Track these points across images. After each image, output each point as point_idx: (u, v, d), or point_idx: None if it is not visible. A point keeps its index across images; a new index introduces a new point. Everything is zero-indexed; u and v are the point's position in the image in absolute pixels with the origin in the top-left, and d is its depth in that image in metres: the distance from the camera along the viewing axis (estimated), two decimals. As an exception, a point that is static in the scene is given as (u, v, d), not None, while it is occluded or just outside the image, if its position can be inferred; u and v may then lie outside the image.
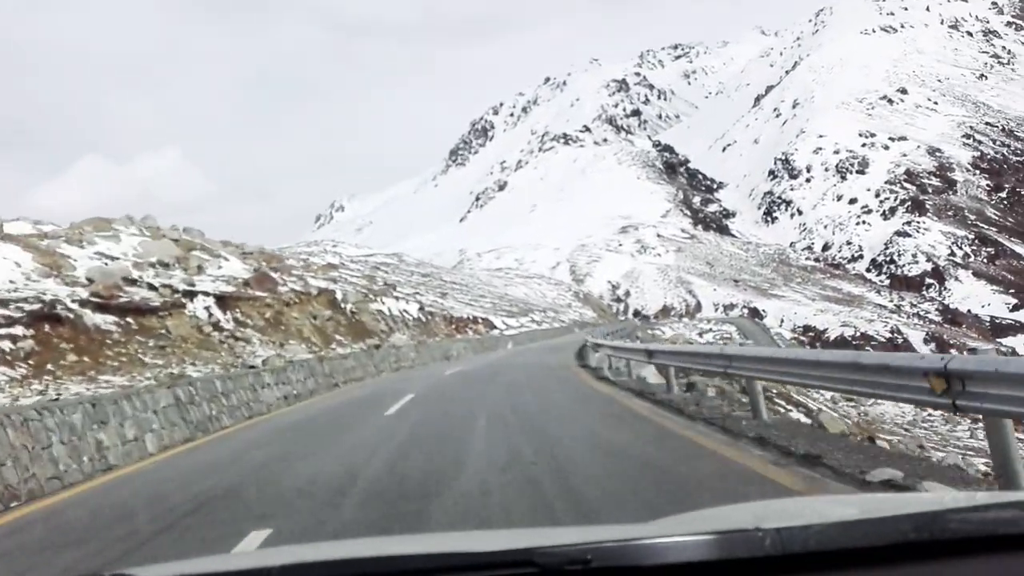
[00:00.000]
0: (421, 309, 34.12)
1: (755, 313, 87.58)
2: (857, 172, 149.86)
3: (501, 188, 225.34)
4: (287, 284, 24.84)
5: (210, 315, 18.83)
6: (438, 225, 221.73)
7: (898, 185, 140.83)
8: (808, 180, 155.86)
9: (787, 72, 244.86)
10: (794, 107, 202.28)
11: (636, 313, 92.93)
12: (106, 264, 18.89)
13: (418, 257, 79.03)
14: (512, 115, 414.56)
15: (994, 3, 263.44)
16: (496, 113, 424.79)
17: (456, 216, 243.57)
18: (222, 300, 19.88)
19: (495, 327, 37.54)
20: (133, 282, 18.29)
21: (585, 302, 71.92)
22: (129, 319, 16.31)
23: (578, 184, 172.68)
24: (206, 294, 19.38)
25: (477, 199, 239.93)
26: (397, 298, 32.16)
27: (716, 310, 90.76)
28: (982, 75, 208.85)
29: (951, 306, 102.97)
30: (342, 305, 27.72)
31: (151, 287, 18.36)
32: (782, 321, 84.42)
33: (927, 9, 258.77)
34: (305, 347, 20.94)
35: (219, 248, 25.47)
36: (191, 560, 1.97)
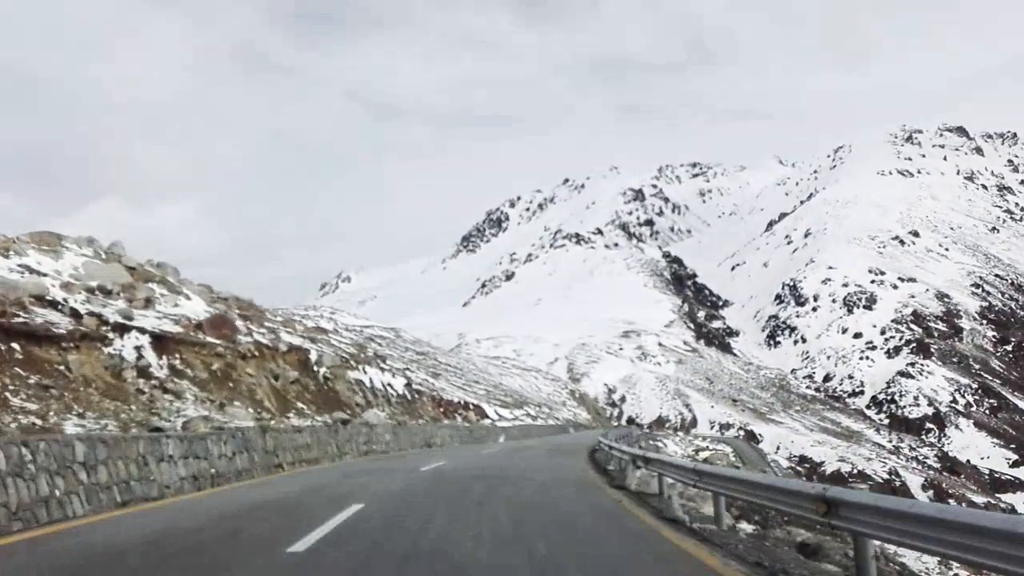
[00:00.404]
0: (408, 385, 32.03)
1: (751, 436, 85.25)
2: (864, 307, 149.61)
3: (508, 278, 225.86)
4: (251, 334, 20.97)
5: (139, 357, 15.21)
6: (442, 307, 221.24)
7: (904, 325, 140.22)
8: (814, 309, 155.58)
9: (802, 202, 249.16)
10: (806, 236, 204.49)
11: (630, 420, 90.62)
12: (21, 276, 15.41)
13: (417, 336, 77.81)
14: (528, 210, 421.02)
15: (1010, 161, 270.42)
16: (512, 206, 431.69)
17: (460, 300, 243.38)
18: (161, 341, 16.29)
19: (487, 416, 35.87)
20: (52, 304, 14.69)
21: (580, 402, 70.01)
22: (15, 344, 12.45)
23: (585, 284, 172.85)
24: (142, 331, 15.80)
25: (483, 286, 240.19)
26: (383, 369, 30.24)
27: (712, 428, 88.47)
28: (994, 228, 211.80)
29: (950, 454, 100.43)
30: (315, 368, 24.06)
31: (74, 313, 14.85)
32: (778, 448, 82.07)
33: (944, 159, 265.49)
34: (253, 411, 17.34)
35: (184, 286, 21.97)
36: None
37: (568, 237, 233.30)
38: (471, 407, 35.48)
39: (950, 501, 69.96)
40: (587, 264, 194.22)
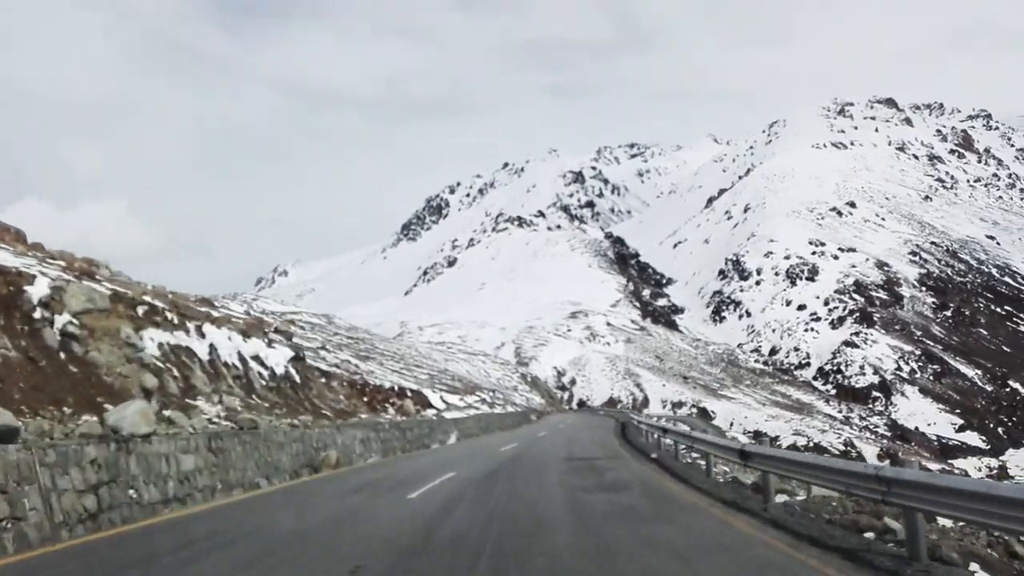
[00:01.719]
0: (297, 361, 19.87)
1: (704, 413, 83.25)
2: (807, 279, 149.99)
3: (450, 264, 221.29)
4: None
5: None
6: (383, 297, 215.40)
7: (847, 295, 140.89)
8: (758, 283, 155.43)
9: (740, 177, 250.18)
10: (745, 211, 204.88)
11: (581, 403, 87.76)
12: None
13: (355, 325, 73.21)
14: (468, 195, 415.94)
15: (939, 131, 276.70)
16: (452, 192, 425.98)
17: (402, 289, 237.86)
18: None
19: (431, 405, 28.19)
20: None
21: (533, 386, 66.60)
22: None
23: (529, 266, 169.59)
24: None
25: (424, 273, 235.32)
26: (246, 336, 17.76)
27: (664, 406, 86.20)
28: (927, 196, 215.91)
29: (899, 421, 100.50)
30: (35, 313, 11.24)
31: None
32: (732, 423, 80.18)
33: (876, 130, 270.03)
34: None
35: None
36: None
37: (510, 220, 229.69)
38: (409, 394, 28.12)
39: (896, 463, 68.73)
40: (530, 247, 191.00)
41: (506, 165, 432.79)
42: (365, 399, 24.26)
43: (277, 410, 16.72)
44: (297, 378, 19.78)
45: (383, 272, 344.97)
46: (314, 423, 17.08)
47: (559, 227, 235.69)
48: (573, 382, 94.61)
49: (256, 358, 17.99)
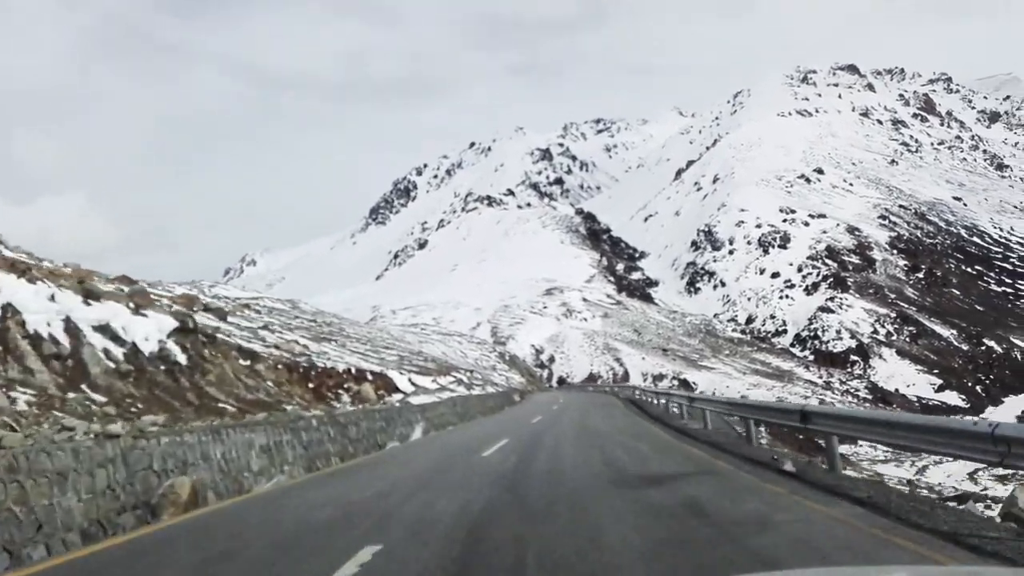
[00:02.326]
0: (186, 333, 14.68)
1: (685, 384, 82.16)
2: (779, 247, 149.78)
3: (421, 247, 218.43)
4: None
5: None
6: (354, 283, 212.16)
7: (820, 261, 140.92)
8: (731, 252, 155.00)
9: (707, 149, 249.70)
10: (715, 182, 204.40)
11: (561, 380, 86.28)
12: None
13: (327, 311, 70.77)
14: (436, 176, 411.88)
15: (901, 95, 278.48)
16: (420, 174, 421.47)
17: (373, 274, 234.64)
18: None
19: (397, 389, 23.94)
20: None
21: (511, 365, 64.83)
22: None
23: (501, 245, 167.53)
24: None
25: (395, 257, 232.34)
26: (88, 298, 12.12)
27: (644, 380, 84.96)
28: (893, 161, 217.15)
29: (879, 384, 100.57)
30: None
31: None
32: (714, 394, 79.18)
33: (839, 96, 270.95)
34: None
35: None
36: None
37: (479, 200, 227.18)
38: (370, 377, 22.96)
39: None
40: (501, 225, 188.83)
41: (473, 145, 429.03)
42: (310, 385, 19.23)
43: (132, 406, 10.92)
44: (182, 358, 13.83)
45: (353, 258, 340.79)
46: (180, 426, 10.23)
47: (529, 205, 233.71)
48: (552, 359, 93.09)
49: (104, 329, 12.40)
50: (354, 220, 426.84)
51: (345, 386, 20.63)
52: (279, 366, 18.52)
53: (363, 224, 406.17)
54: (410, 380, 26.23)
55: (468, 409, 27.29)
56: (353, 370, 22.89)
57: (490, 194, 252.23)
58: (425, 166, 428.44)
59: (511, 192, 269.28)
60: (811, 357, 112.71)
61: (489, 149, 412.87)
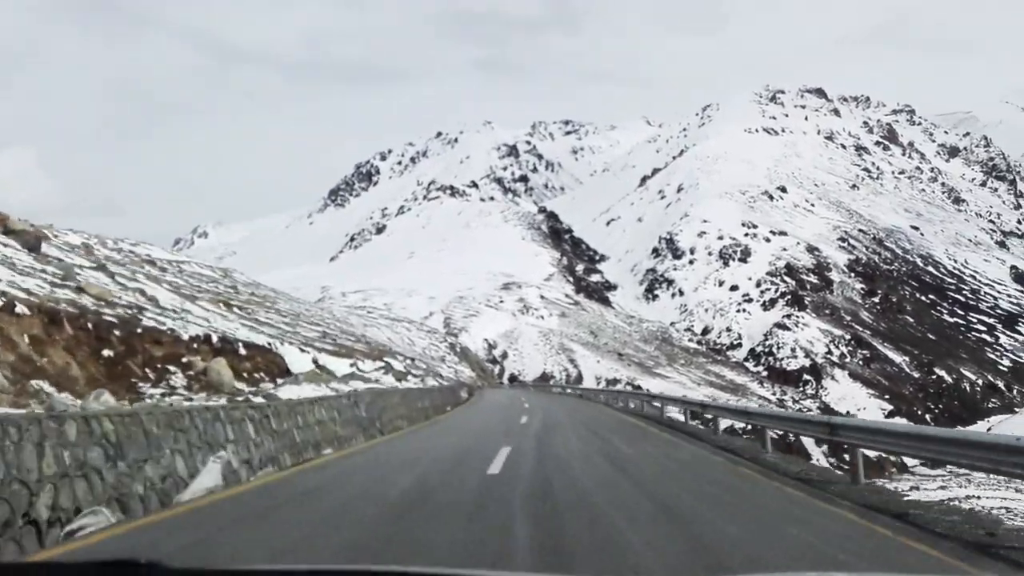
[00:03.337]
0: None
1: (638, 389, 79.86)
2: (739, 260, 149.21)
3: (379, 231, 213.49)
4: None
5: None
6: (307, 262, 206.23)
7: (778, 278, 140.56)
8: (691, 262, 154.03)
9: (673, 158, 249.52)
10: (679, 191, 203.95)
11: (512, 378, 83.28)
12: None
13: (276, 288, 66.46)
14: (400, 163, 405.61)
15: (865, 122, 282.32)
16: (383, 159, 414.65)
17: (327, 256, 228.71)
18: None
19: (289, 373, 16.51)
20: None
21: (463, 357, 61.50)
22: None
23: (461, 236, 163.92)
24: None
25: (352, 239, 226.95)
26: None
27: (598, 383, 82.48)
28: (854, 185, 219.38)
29: (830, 405, 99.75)
30: None
31: None
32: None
33: (805, 118, 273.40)
34: None
35: None
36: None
37: (442, 189, 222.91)
38: (244, 351, 15.70)
39: (846, 455, 66.99)
40: (463, 216, 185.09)
41: (439, 134, 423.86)
42: (107, 354, 11.65)
43: None
44: None
45: (309, 238, 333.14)
46: None
47: (492, 199, 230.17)
48: (505, 355, 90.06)
49: None
50: (312, 200, 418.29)
51: (184, 360, 13.31)
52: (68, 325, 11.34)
53: (321, 204, 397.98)
54: (315, 360, 19.02)
55: (385, 408, 18.38)
56: (215, 339, 15.38)
57: (454, 185, 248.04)
58: (389, 151, 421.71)
59: (475, 184, 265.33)
60: (764, 373, 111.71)
61: (456, 140, 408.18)
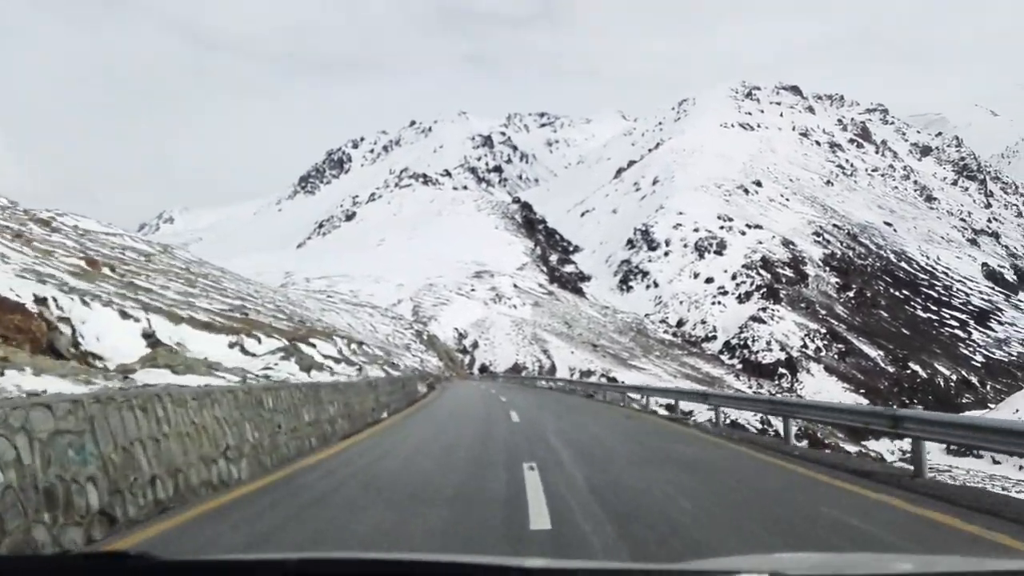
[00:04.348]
0: None
1: (613, 381, 77.36)
2: (715, 253, 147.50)
3: (349, 218, 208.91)
4: None
5: None
6: (274, 249, 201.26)
7: (754, 271, 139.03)
8: (666, 254, 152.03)
9: (649, 151, 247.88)
10: (654, 184, 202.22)
11: (483, 368, 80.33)
12: None
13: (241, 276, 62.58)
14: (372, 151, 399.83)
15: (839, 120, 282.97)
16: (356, 147, 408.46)
17: (296, 243, 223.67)
18: None
19: (57, 354, 10.47)
20: None
21: (430, 346, 58.31)
22: None
23: (433, 224, 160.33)
24: None
25: (320, 226, 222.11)
26: None
27: (572, 374, 79.81)
28: (828, 182, 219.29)
29: (806, 399, 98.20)
30: None
31: None
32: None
33: (781, 115, 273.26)
34: None
35: None
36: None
37: (415, 177, 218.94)
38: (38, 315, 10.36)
39: (827, 449, 65.25)
40: (435, 204, 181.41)
41: (414, 123, 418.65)
42: None
43: None
44: None
45: (277, 224, 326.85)
46: None
47: (466, 188, 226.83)
48: (475, 345, 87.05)
49: None
50: (283, 187, 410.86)
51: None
52: None
53: (291, 192, 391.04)
54: (149, 334, 12.06)
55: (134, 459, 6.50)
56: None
57: (426, 173, 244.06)
58: (362, 139, 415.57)
59: (448, 173, 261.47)
60: (739, 366, 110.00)
61: (430, 130, 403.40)
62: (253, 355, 13.26)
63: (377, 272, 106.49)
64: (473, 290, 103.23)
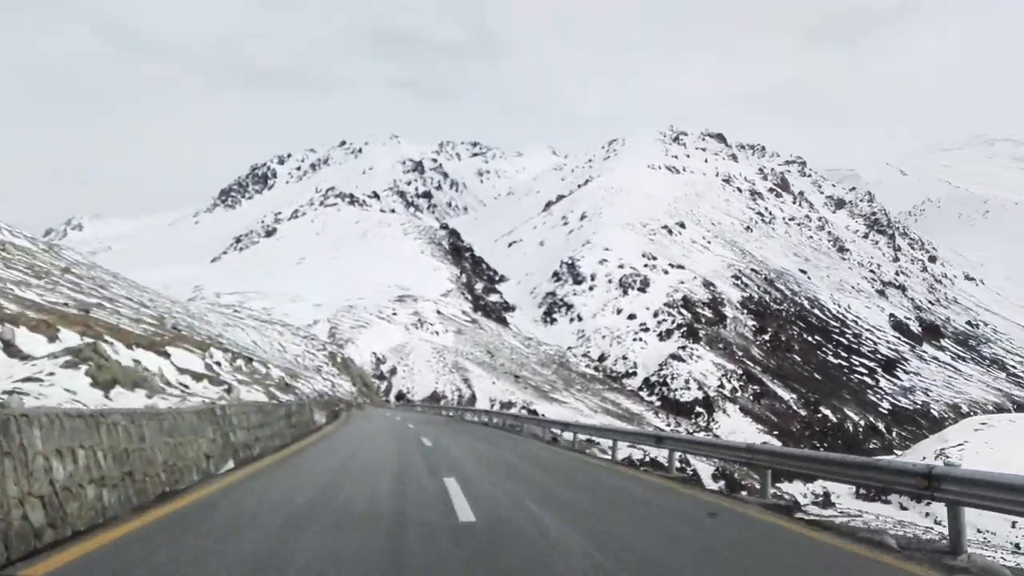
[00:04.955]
0: None
1: (534, 415, 75.68)
2: (639, 290, 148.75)
3: (269, 234, 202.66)
4: None
5: None
6: (188, 263, 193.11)
7: (675, 309, 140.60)
8: (591, 288, 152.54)
9: (578, 186, 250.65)
10: (582, 219, 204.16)
11: (400, 396, 77.52)
12: None
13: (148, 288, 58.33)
14: (299, 169, 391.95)
15: (760, 169, 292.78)
16: (282, 163, 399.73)
17: (211, 257, 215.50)
18: None
19: None
20: None
21: (344, 369, 55.38)
22: None
23: (358, 245, 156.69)
24: None
25: (238, 241, 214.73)
26: None
27: (492, 405, 77.80)
28: (748, 227, 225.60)
29: (723, 439, 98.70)
30: None
31: None
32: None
33: (706, 161, 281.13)
34: None
35: None
36: None
37: (341, 196, 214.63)
38: None
39: (743, 492, 64.92)
40: (360, 226, 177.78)
41: (344, 143, 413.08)
42: None
43: None
44: None
45: (194, 238, 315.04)
46: None
47: (393, 211, 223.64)
48: (394, 371, 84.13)
49: None
50: (202, 200, 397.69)
51: None
52: None
53: (211, 204, 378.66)
54: None
55: None
56: None
57: (353, 194, 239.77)
58: (289, 155, 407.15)
59: (376, 195, 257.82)
60: (658, 403, 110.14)
61: (360, 151, 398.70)
62: (29, 357, 8.70)
63: (295, 291, 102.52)
64: (395, 314, 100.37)
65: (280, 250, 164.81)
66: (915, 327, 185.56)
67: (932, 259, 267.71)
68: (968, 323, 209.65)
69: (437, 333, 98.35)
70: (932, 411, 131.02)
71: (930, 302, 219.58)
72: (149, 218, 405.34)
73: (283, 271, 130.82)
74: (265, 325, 54.60)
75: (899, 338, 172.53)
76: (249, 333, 42.95)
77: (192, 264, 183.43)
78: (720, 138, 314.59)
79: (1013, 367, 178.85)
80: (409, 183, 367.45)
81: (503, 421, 33.19)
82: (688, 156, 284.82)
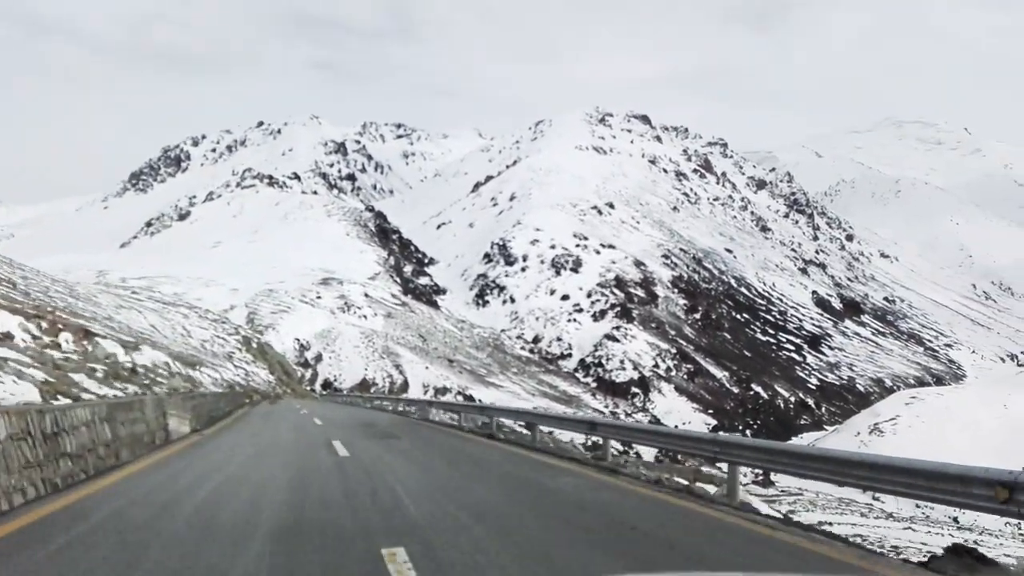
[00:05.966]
0: None
1: (471, 401, 72.32)
2: (571, 270, 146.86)
3: (182, 217, 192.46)
4: None
5: None
6: (96, 248, 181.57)
7: (608, 289, 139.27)
8: (523, 270, 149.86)
9: (507, 167, 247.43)
10: (511, 200, 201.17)
11: (327, 384, 72.91)
12: None
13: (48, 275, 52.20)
14: (215, 151, 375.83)
15: (684, 151, 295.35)
16: (196, 145, 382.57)
17: (120, 242, 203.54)
18: None
19: None
20: None
21: (260, 356, 50.59)
22: None
23: (278, 229, 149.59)
24: None
25: (149, 225, 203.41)
26: None
27: (425, 391, 74.12)
28: (675, 208, 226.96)
29: (659, 419, 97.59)
30: None
31: None
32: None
33: (632, 142, 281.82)
34: None
35: None
36: None
37: (259, 178, 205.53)
38: None
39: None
40: (281, 208, 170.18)
41: (261, 124, 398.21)
42: None
43: None
44: None
45: (102, 223, 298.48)
46: None
47: (315, 193, 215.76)
48: (319, 358, 79.33)
49: None
50: (111, 184, 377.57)
51: None
52: None
53: (120, 189, 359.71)
54: None
55: None
56: None
57: (272, 175, 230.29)
58: (203, 137, 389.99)
59: (297, 177, 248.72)
60: (595, 384, 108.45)
61: (279, 132, 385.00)
62: None
63: (209, 275, 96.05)
64: (319, 298, 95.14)
65: (194, 234, 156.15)
66: (836, 304, 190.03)
67: (849, 238, 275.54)
68: (885, 299, 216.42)
69: (365, 317, 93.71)
70: (858, 386, 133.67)
71: (849, 279, 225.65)
72: (55, 203, 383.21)
73: (197, 255, 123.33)
74: (168, 308, 49.33)
75: (822, 314, 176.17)
76: (148, 316, 38.05)
77: (100, 250, 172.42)
78: (645, 119, 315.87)
79: (929, 341, 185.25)
80: (332, 165, 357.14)
81: (461, 418, 27.74)
82: (615, 137, 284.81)
